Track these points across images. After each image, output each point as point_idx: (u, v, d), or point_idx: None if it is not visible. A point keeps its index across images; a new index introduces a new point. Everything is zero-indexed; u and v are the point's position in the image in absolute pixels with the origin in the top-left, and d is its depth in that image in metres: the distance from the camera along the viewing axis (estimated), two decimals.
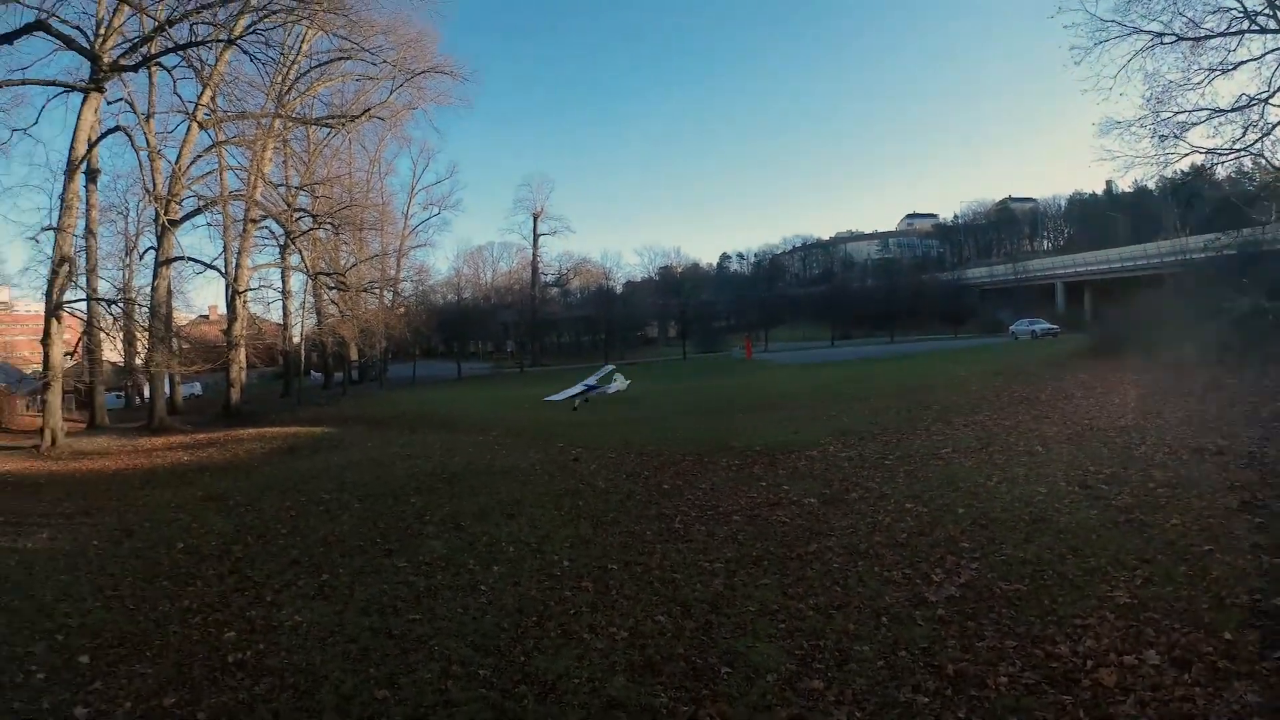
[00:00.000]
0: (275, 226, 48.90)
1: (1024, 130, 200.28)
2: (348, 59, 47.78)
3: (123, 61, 30.18)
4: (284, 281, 58.28)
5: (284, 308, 60.05)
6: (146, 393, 45.36)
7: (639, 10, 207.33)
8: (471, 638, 7.63)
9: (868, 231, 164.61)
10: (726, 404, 28.44)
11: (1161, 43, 26.06)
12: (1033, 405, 20.30)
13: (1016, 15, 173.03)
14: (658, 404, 30.91)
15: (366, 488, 16.72)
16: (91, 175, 39.98)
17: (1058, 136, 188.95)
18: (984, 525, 9.65)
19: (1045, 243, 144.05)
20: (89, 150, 35.43)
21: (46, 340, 31.93)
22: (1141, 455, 12.80)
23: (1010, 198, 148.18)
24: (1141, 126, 26.39)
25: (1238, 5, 25.19)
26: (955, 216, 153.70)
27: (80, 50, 28.67)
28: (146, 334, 37.66)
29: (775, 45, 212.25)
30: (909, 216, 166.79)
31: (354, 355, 64.76)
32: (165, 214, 38.04)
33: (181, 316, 57.68)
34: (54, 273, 32.02)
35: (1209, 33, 25.61)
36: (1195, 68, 25.84)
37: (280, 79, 44.65)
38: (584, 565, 9.71)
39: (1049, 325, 65.05)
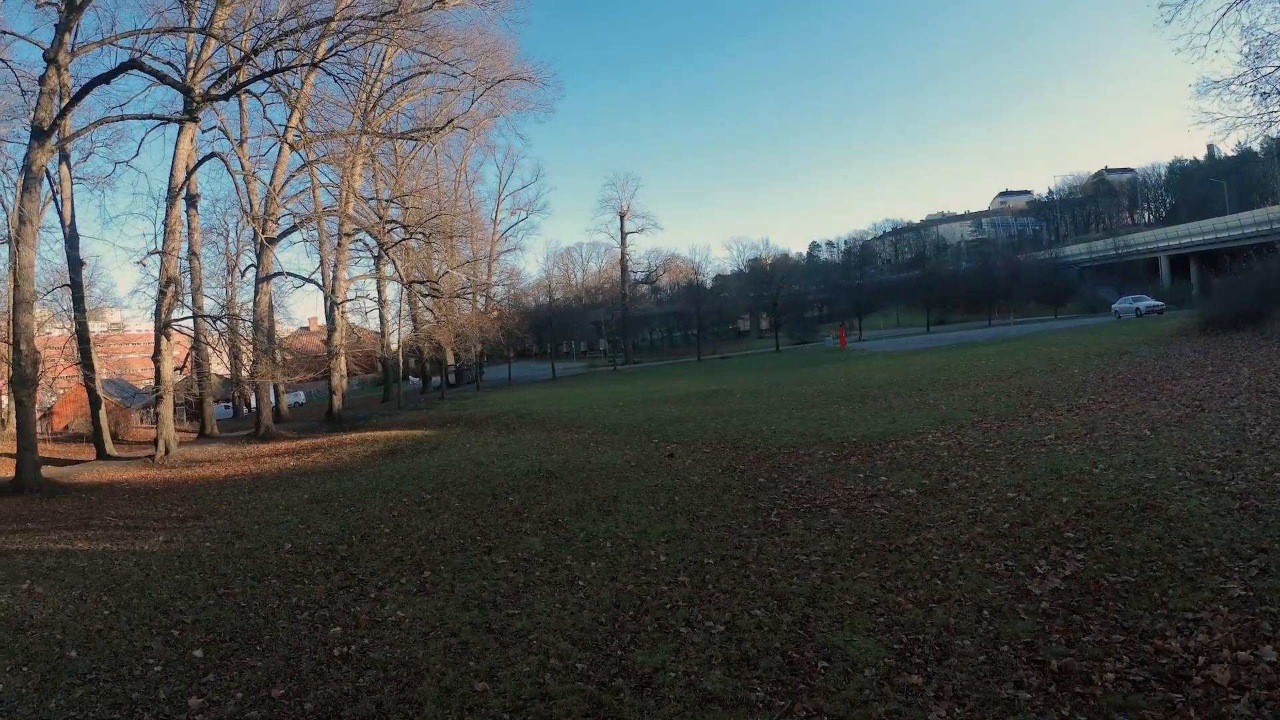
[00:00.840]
0: (368, 239, 50.55)
1: (1117, 97, 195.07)
2: (428, 73, 49.06)
3: (213, 91, 31.21)
4: (380, 291, 60.00)
5: (381, 316, 61.91)
6: (253, 402, 47.19)
7: (716, 3, 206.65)
8: (569, 632, 7.73)
9: (959, 212, 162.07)
10: (821, 395, 28.14)
11: None
12: (1139, 387, 19.64)
13: None
14: (752, 397, 30.73)
15: (466, 487, 17.12)
16: (191, 200, 42.07)
17: (1153, 102, 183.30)
18: (1089, 514, 9.34)
19: (1146, 215, 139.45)
20: (187, 177, 37.36)
21: (157, 356, 33.75)
22: (1256, 437, 12.23)
23: (1106, 169, 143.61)
24: (1241, 84, 25.00)
25: None
26: (1050, 192, 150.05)
27: (173, 84, 29.80)
28: (250, 347, 39.45)
29: (855, 29, 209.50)
30: (1001, 194, 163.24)
31: (450, 359, 66.01)
32: (263, 233, 40.00)
33: (283, 329, 60.00)
34: (161, 293, 33.93)
35: None
36: None
37: (365, 97, 45.81)
38: (680, 560, 9.73)
39: (1154, 302, 62.77)
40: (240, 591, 10.80)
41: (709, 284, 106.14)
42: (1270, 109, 24.73)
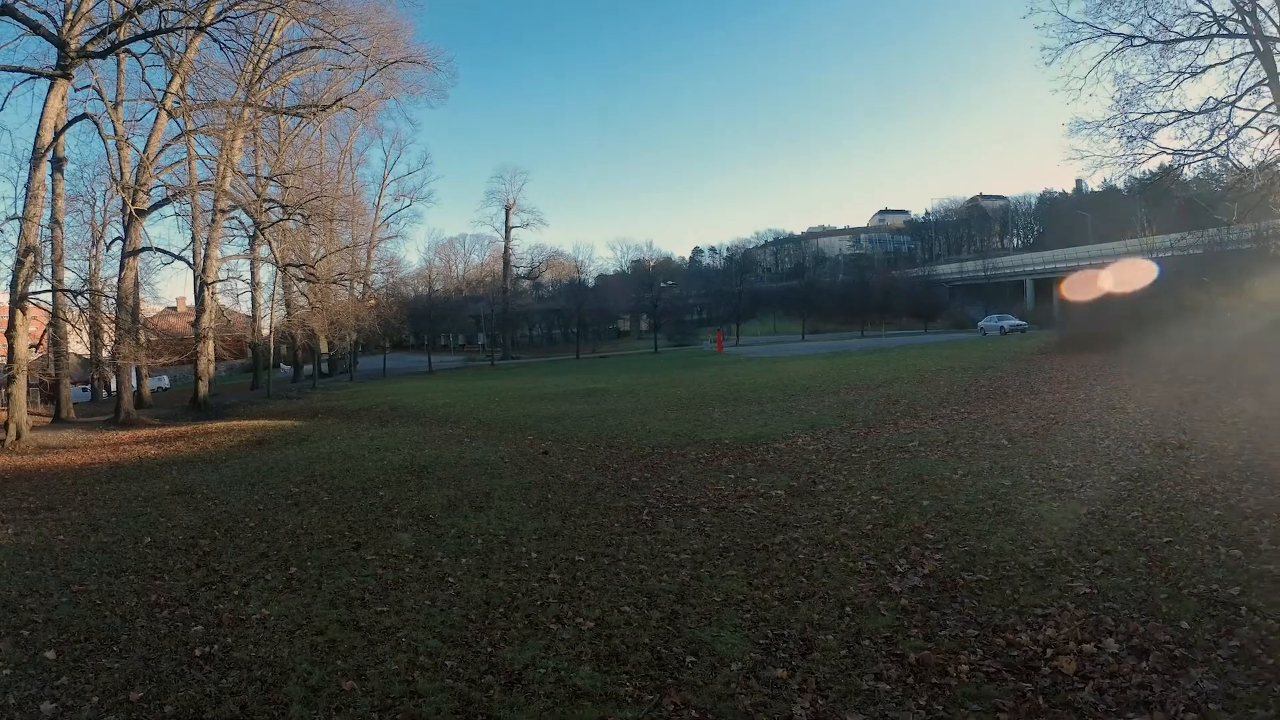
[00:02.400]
0: (244, 217, 48.38)
1: (996, 129, 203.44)
2: (320, 48, 47.16)
3: (90, 48, 29.64)
4: (253, 273, 57.90)
5: (253, 299, 59.55)
6: (114, 386, 44.74)
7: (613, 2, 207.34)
8: (439, 629, 7.59)
9: (840, 227, 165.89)
10: (697, 397, 28.48)
11: (1131, 45, 26.48)
12: (999, 400, 20.59)
13: (988, 16, 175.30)
14: (628, 397, 30.91)
15: (335, 480, 16.63)
16: (57, 164, 39.10)
17: (1029, 136, 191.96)
18: (948, 517, 9.75)
19: (1015, 240, 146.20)
20: (55, 138, 34.66)
21: (11, 332, 31.09)
22: (1105, 449, 13.10)
23: (982, 195, 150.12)
24: (1110, 127, 26.78)
25: (1207, 10, 25.64)
26: (927, 213, 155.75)
27: (46, 35, 28.17)
28: (113, 326, 37.06)
29: (750, 40, 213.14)
30: (881, 212, 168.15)
31: (324, 348, 64.23)
32: (132, 204, 37.25)
33: (149, 308, 56.98)
34: (18, 263, 31.17)
35: (1178, 36, 26.05)
36: (1164, 70, 26.28)
37: (251, 67, 43.81)
38: (552, 557, 9.68)
39: (1017, 321, 66.05)
40: (96, 589, 10.09)
41: (591, 283, 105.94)
42: (1135, 151, 26.42)
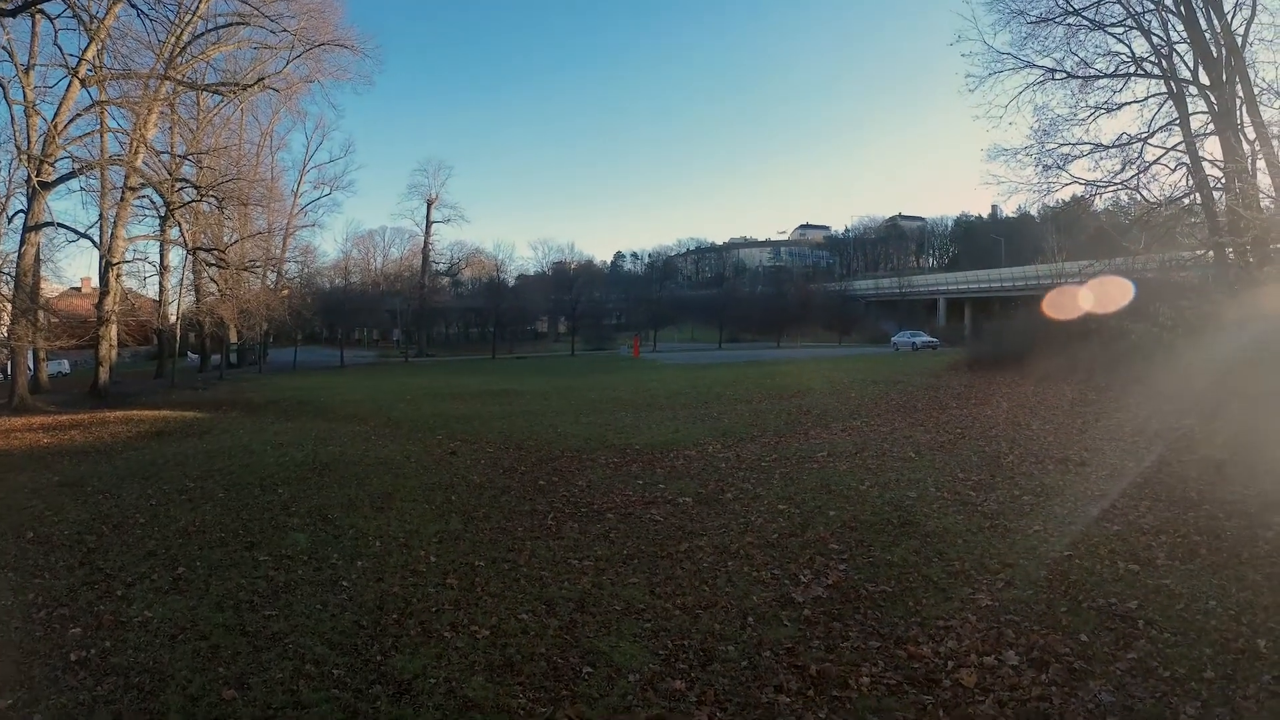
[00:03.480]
0: (155, 197, 46.68)
1: (918, 151, 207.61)
2: (246, 24, 45.67)
3: (3, 5, 28.22)
4: (162, 256, 55.64)
5: (161, 284, 57.16)
6: (8, 369, 42.68)
7: (543, 20, 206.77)
8: (328, 635, 7.27)
9: (760, 239, 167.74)
10: (610, 401, 28.33)
11: (1053, 79, 27.31)
12: (909, 413, 20.86)
13: (914, 41, 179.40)
14: (541, 399, 30.62)
15: (233, 476, 15.96)
16: None
17: (949, 160, 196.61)
18: (854, 528, 9.75)
19: (931, 260, 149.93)
20: None
21: None
22: (1009, 464, 13.29)
23: (900, 215, 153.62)
24: (1027, 155, 27.59)
25: (1127, 50, 26.58)
26: (846, 229, 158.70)
27: None
28: (9, 305, 35.36)
29: (678, 50, 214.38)
30: (801, 227, 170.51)
31: (234, 337, 62.51)
32: (37, 175, 35.29)
33: (51, 288, 54.42)
34: None
35: (1098, 73, 26.95)
36: (1082, 105, 27.17)
37: (173, 39, 42.21)
38: (451, 561, 9.40)
39: (929, 338, 67.61)
40: None
41: (511, 282, 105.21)
42: (1050, 179, 27.29)
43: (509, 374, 51.49)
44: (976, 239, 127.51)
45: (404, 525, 11.28)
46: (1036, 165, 27.60)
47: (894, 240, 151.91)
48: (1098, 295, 25.63)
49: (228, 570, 9.56)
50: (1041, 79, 27.45)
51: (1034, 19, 27.14)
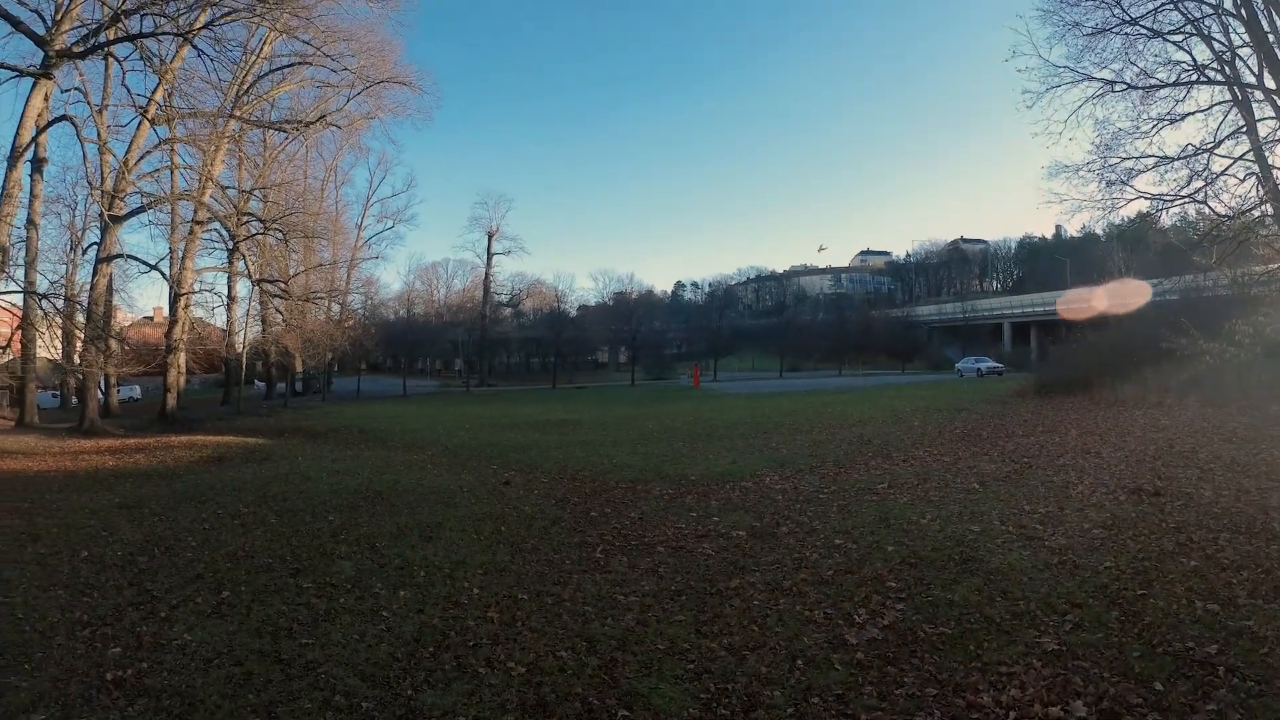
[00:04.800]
0: (223, 230, 48.07)
1: (978, 172, 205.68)
2: (308, 64, 47.14)
3: (73, 49, 29.29)
4: (229, 287, 57.35)
5: (228, 314, 58.93)
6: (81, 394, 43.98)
7: (604, 38, 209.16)
8: (362, 666, 7.10)
9: (822, 266, 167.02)
10: (668, 432, 28.09)
11: (1112, 91, 26.45)
12: (973, 442, 20.25)
13: (972, 59, 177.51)
14: (599, 429, 30.50)
15: (287, 502, 16.02)
16: (38, 164, 38.42)
17: (1010, 180, 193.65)
18: (913, 564, 9.29)
19: (995, 283, 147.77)
20: (34, 138, 34.27)
21: None
22: (1078, 495, 12.67)
23: (962, 238, 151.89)
24: (1089, 171, 26.74)
25: (1188, 58, 25.73)
26: (908, 255, 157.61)
27: (28, 33, 27.92)
28: (81, 332, 36.53)
29: (738, 81, 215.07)
30: (862, 253, 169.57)
31: (298, 366, 63.67)
32: (109, 210, 36.82)
33: (124, 317, 56.46)
34: None
35: (1159, 83, 26.07)
36: (1144, 117, 26.28)
37: (238, 80, 43.81)
38: (494, 594, 9.19)
39: (994, 364, 66.31)
40: (21, 601, 9.61)
41: (572, 313, 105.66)
42: (1113, 195, 26.41)
43: (568, 404, 51.55)
44: (1041, 260, 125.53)
45: (451, 555, 11.11)
46: (1099, 181, 26.75)
47: (956, 264, 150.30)
48: (1169, 315, 24.79)
49: (271, 596, 9.50)
50: (1100, 91, 26.65)
51: (1090, 30, 26.39)
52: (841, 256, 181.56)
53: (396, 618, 8.50)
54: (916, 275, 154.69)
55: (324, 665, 7.20)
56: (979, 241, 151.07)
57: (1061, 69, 27.12)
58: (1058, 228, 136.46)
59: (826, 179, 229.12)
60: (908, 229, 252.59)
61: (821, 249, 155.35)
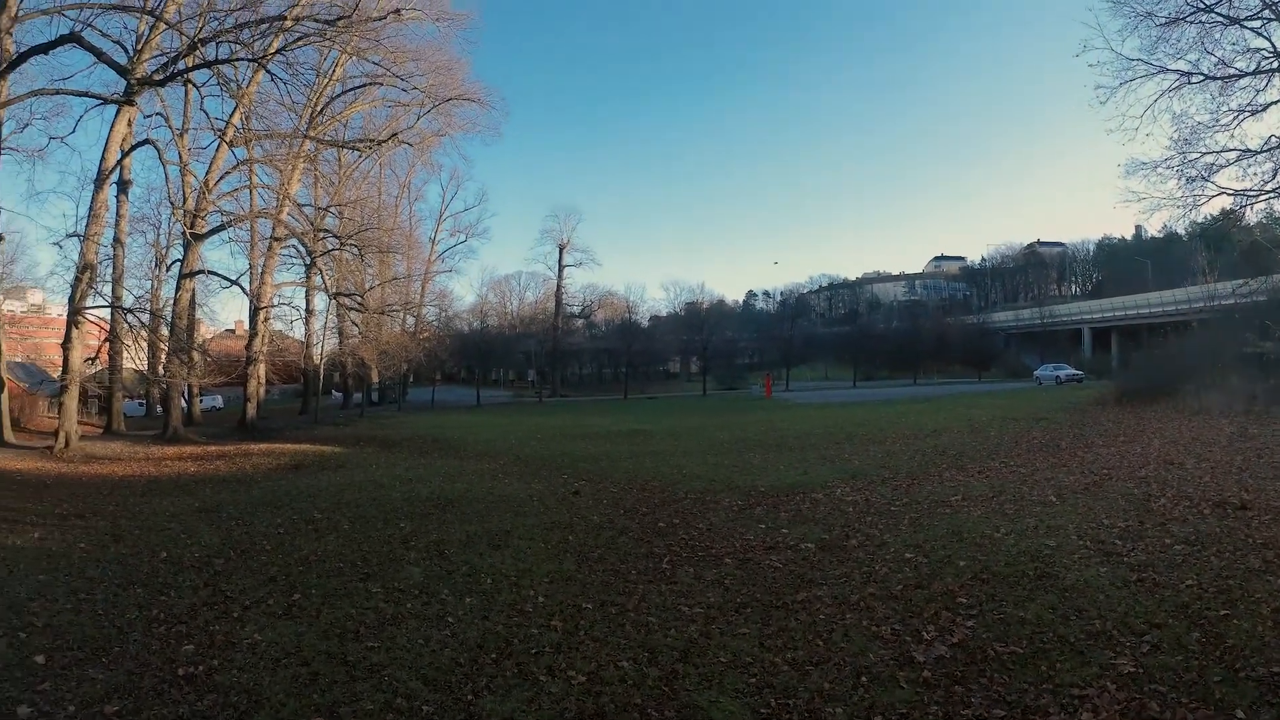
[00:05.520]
0: (300, 246, 49.27)
1: (1054, 173, 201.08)
2: (378, 84, 48.53)
3: (153, 77, 30.42)
4: (307, 301, 58.58)
5: (306, 326, 60.31)
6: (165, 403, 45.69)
7: (670, 45, 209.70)
8: (425, 671, 7.19)
9: (894, 273, 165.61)
10: (739, 442, 27.96)
11: (1189, 82, 25.35)
12: (1051, 453, 19.77)
13: (1044, 56, 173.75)
14: (670, 439, 30.52)
15: (360, 509, 16.43)
16: (123, 186, 40.83)
17: (1087, 180, 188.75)
18: (985, 580, 9.05)
19: (1073, 287, 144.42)
20: (118, 161, 36.15)
21: (67, 344, 32.62)
22: (1160, 508, 12.24)
23: (1039, 241, 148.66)
24: (1168, 167, 25.70)
25: (1268, 45, 24.63)
26: (983, 259, 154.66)
27: (110, 64, 28.99)
28: (165, 344, 38.05)
29: (808, 87, 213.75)
30: (936, 259, 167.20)
31: (374, 377, 64.93)
32: (190, 229, 38.49)
33: (207, 330, 58.39)
34: (76, 279, 32.69)
35: (1238, 73, 24.97)
36: (1224, 108, 25.11)
37: (313, 101, 45.18)
38: (558, 602, 9.22)
39: (1074, 371, 64.60)
40: (102, 598, 10.05)
41: (643, 323, 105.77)
42: (1194, 192, 25.40)
43: (640, 414, 51.67)
44: (1120, 262, 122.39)
45: (518, 564, 11.21)
46: (1178, 178, 25.60)
47: (1033, 268, 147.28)
48: (1256, 318, 23.83)
49: (340, 600, 9.72)
50: (1176, 84, 25.50)
51: (1163, 20, 25.22)
52: (915, 262, 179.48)
53: (461, 623, 8.60)
54: (992, 280, 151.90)
55: (388, 668, 7.32)
56: (1056, 244, 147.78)
57: (1135, 62, 26.10)
58: (1137, 228, 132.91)
59: (898, 183, 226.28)
60: (983, 233, 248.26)
61: (775, 263, 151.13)
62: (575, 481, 19.80)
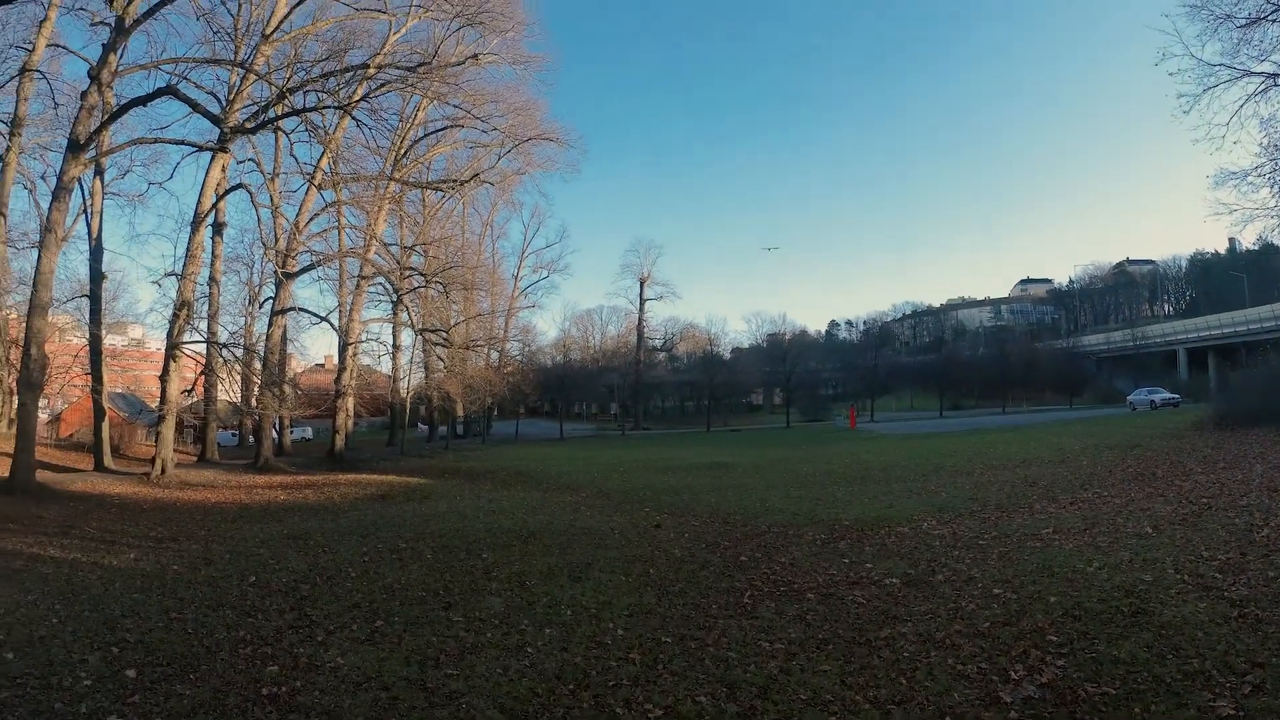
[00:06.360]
0: (386, 284, 50.73)
1: (1141, 188, 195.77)
2: (460, 127, 50.00)
3: (246, 125, 31.77)
4: (394, 336, 60.39)
5: (393, 361, 62.08)
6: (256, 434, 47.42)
7: (745, 78, 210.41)
8: (502, 700, 7.26)
9: (980, 298, 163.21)
10: (823, 474, 27.66)
11: (1275, 85, 24.33)
12: (1147, 482, 19.04)
13: (1124, 67, 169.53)
14: (753, 472, 30.35)
15: (443, 539, 16.69)
16: (218, 228, 43.14)
17: (1175, 194, 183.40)
18: (1077, 617, 8.72)
19: (1166, 306, 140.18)
20: (214, 205, 38.39)
21: (164, 377, 34.55)
22: (1263, 539, 11.59)
23: (1128, 260, 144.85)
24: (1259, 176, 24.60)
25: None
26: (1070, 281, 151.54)
27: (205, 114, 30.40)
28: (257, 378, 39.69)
29: (886, 110, 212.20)
30: (1022, 282, 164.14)
31: (459, 411, 66.08)
32: (282, 268, 40.54)
33: (297, 364, 60.45)
34: (175, 315, 34.60)
35: None
36: None
37: (397, 145, 46.74)
38: (638, 635, 9.21)
39: (1169, 394, 62.14)
40: (192, 618, 10.52)
41: (725, 355, 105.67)
42: None
43: (722, 446, 51.57)
44: (1215, 278, 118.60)
45: (598, 596, 11.24)
46: (1271, 186, 24.49)
47: (1123, 288, 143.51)
48: None
49: (422, 627, 9.91)
50: (1263, 87, 24.29)
51: (1244, 21, 24.00)
52: (1001, 286, 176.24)
53: (540, 654, 8.66)
54: (1081, 302, 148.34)
55: (466, 696, 7.41)
56: (1146, 262, 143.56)
57: (1217, 67, 24.99)
58: (1231, 241, 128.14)
59: (981, 206, 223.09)
60: (1070, 253, 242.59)
61: (772, 248, 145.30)
62: (657, 515, 19.77)
